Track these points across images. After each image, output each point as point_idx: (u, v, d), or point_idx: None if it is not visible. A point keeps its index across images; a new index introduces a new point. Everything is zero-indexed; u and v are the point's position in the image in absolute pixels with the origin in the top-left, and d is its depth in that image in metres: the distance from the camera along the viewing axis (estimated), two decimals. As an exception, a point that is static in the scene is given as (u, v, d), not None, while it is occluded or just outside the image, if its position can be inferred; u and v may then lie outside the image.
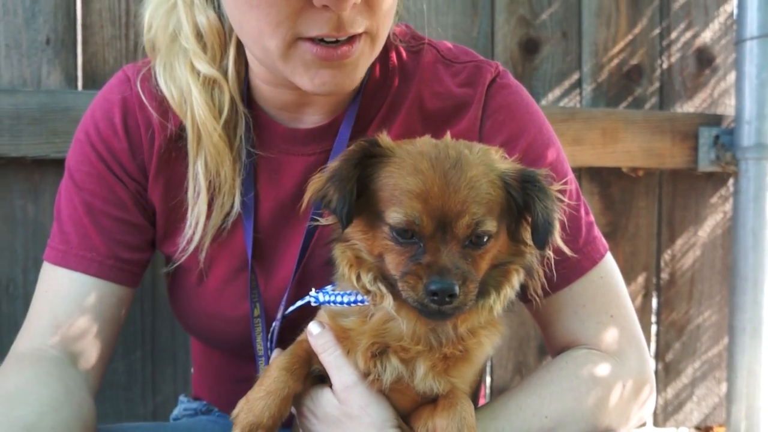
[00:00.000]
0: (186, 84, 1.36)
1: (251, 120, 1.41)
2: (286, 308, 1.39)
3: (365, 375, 1.19)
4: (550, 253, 1.24)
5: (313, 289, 1.27)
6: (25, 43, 2.13)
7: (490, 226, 1.09)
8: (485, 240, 1.10)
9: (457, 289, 1.03)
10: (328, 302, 1.23)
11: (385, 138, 1.16)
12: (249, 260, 1.42)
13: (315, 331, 1.23)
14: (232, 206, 1.40)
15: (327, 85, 1.25)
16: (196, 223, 1.40)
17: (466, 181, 1.08)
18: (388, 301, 1.12)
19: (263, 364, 1.42)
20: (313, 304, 1.27)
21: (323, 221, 1.24)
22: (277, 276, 1.45)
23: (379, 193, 1.11)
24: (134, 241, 1.46)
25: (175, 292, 1.55)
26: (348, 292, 1.21)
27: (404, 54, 1.49)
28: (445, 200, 1.06)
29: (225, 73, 1.37)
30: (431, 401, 1.20)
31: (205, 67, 1.35)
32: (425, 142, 1.16)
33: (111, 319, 1.44)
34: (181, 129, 1.41)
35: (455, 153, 1.12)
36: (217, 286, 1.47)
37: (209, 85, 1.37)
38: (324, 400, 1.24)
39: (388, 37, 1.45)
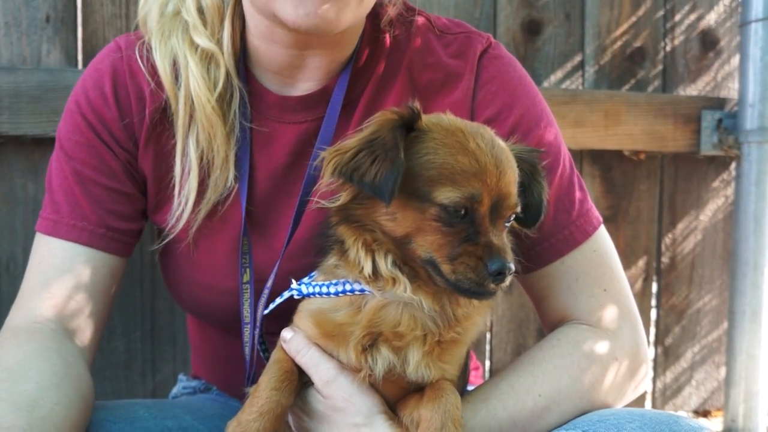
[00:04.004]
0: (183, 58, 1.37)
1: (246, 93, 1.42)
2: (275, 282, 1.38)
3: (357, 370, 1.18)
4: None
5: (294, 281, 1.25)
6: (25, 21, 2.12)
7: (519, 205, 1.13)
8: (512, 218, 1.14)
9: (513, 267, 1.05)
10: (313, 294, 1.21)
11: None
12: (242, 223, 1.41)
13: (288, 337, 1.24)
14: (226, 181, 1.40)
15: (311, 17, 1.23)
16: (186, 201, 1.40)
17: (508, 162, 1.11)
18: (403, 285, 1.11)
19: (248, 331, 1.42)
20: (296, 297, 1.25)
21: (325, 203, 1.17)
22: (270, 246, 1.45)
23: (420, 171, 1.07)
24: (125, 210, 1.46)
25: (168, 263, 1.55)
26: (335, 282, 1.17)
27: (396, 24, 1.49)
28: (498, 180, 1.07)
29: (221, 47, 1.38)
30: (418, 390, 1.20)
31: (204, 41, 1.37)
32: (453, 119, 1.15)
33: (104, 289, 1.45)
34: (169, 106, 1.41)
35: (485, 133, 1.13)
36: (211, 257, 1.47)
37: (206, 59, 1.38)
38: (311, 398, 1.25)
39: (380, 5, 1.47)
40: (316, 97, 1.44)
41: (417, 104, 1.11)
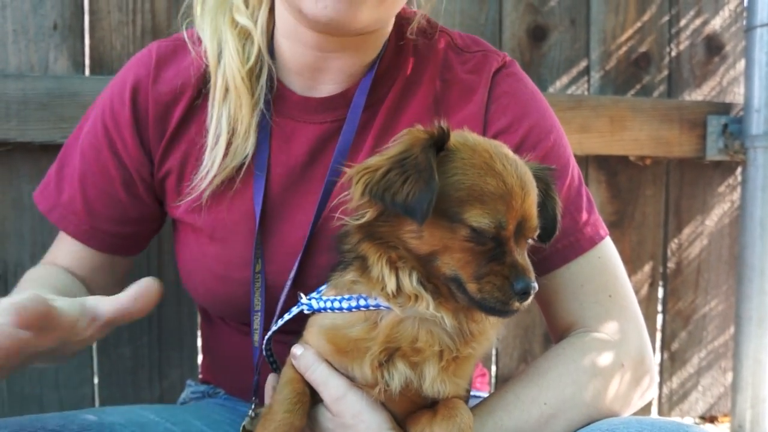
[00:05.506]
0: (224, 34, 1.48)
1: (275, 71, 1.50)
2: (296, 275, 1.41)
3: (371, 386, 1.17)
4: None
5: (303, 296, 1.26)
6: (33, 28, 2.14)
7: (539, 227, 1.14)
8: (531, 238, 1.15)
9: (537, 287, 1.07)
10: (325, 309, 1.20)
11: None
12: (257, 215, 1.46)
13: (297, 353, 1.24)
14: (245, 149, 1.47)
15: (328, 10, 1.29)
16: (213, 161, 1.46)
17: (531, 183, 1.12)
18: (426, 302, 1.11)
19: (258, 318, 1.45)
20: (306, 312, 1.25)
21: (348, 219, 1.16)
22: (283, 241, 1.47)
23: (449, 191, 1.07)
24: (123, 215, 1.57)
25: (184, 252, 1.59)
26: (348, 296, 1.17)
27: (420, 35, 1.56)
28: (522, 202, 1.08)
29: (256, 26, 1.48)
30: (428, 406, 1.19)
31: (243, 19, 1.47)
32: (477, 138, 1.15)
33: (92, 280, 1.59)
34: (205, 83, 1.51)
35: (509, 153, 1.14)
36: (226, 248, 1.51)
37: (243, 36, 1.48)
38: (319, 416, 1.25)
39: (405, 18, 1.55)
40: (337, 100, 1.50)
41: (446, 124, 1.12)
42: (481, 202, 1.06)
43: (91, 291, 1.56)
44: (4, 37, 2.12)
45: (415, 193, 1.03)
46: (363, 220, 1.13)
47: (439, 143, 1.10)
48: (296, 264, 1.42)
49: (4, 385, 2.20)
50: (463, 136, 1.15)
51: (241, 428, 1.39)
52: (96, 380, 2.27)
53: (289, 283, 1.41)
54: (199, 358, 2.28)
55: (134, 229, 1.60)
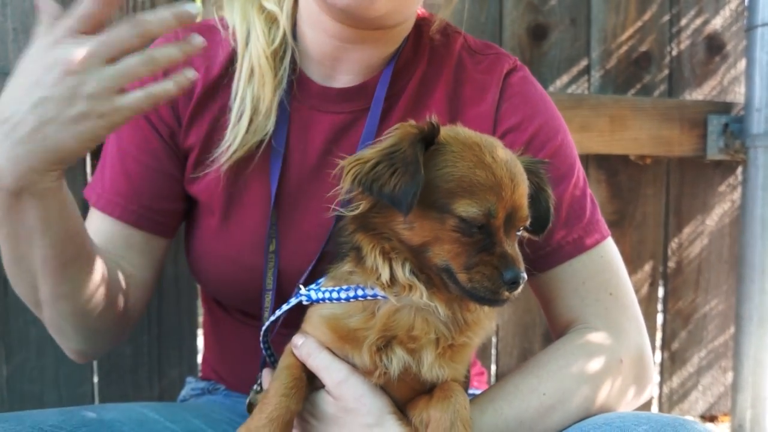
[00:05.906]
0: (252, 18, 1.52)
1: (297, 55, 1.53)
2: (315, 265, 1.42)
3: (372, 371, 1.19)
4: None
5: (302, 287, 1.28)
6: (33, 26, 2.13)
7: (530, 217, 1.16)
8: (522, 229, 1.17)
9: (526, 276, 1.09)
10: (323, 299, 1.22)
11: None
12: (272, 194, 1.47)
13: (299, 342, 1.26)
14: (266, 127, 1.48)
15: None
16: (235, 137, 1.48)
17: (521, 175, 1.14)
18: (420, 292, 1.13)
19: (269, 297, 1.47)
20: (305, 303, 1.27)
21: (342, 211, 1.19)
22: (294, 228, 1.50)
23: (439, 183, 1.10)
24: (161, 190, 1.55)
25: (196, 234, 1.60)
26: (346, 287, 1.19)
27: (438, 35, 1.60)
28: (511, 194, 1.10)
29: (282, 11, 1.52)
30: (427, 391, 1.21)
31: (270, 5, 1.52)
32: (469, 132, 1.18)
33: (141, 264, 1.56)
34: (231, 63, 1.53)
35: (499, 147, 1.16)
36: (240, 230, 1.52)
37: (270, 21, 1.53)
38: (320, 401, 1.26)
39: (424, 20, 1.59)
40: (355, 91, 1.53)
41: (436, 118, 1.14)
42: (470, 193, 1.08)
43: (126, 270, 1.55)
44: (4, 35, 2.13)
45: (401, 186, 1.06)
46: (357, 212, 1.16)
47: (428, 138, 1.12)
48: (319, 252, 1.44)
49: (4, 383, 2.20)
50: (454, 131, 1.17)
51: (246, 402, 1.42)
52: (96, 379, 2.27)
53: (309, 268, 1.43)
54: (199, 357, 2.29)
55: (172, 206, 1.58)
